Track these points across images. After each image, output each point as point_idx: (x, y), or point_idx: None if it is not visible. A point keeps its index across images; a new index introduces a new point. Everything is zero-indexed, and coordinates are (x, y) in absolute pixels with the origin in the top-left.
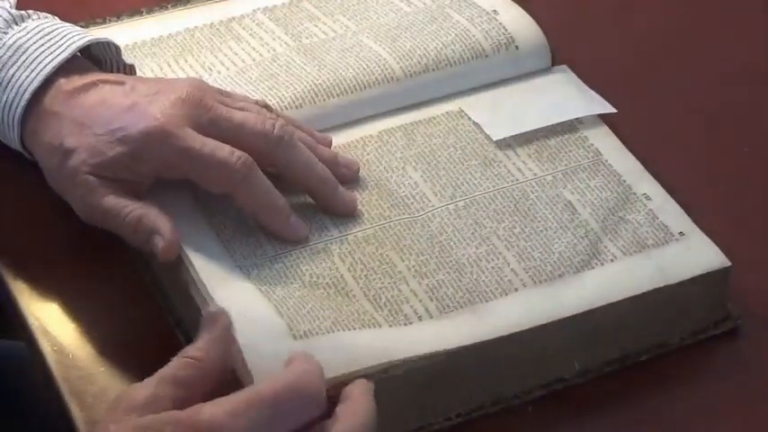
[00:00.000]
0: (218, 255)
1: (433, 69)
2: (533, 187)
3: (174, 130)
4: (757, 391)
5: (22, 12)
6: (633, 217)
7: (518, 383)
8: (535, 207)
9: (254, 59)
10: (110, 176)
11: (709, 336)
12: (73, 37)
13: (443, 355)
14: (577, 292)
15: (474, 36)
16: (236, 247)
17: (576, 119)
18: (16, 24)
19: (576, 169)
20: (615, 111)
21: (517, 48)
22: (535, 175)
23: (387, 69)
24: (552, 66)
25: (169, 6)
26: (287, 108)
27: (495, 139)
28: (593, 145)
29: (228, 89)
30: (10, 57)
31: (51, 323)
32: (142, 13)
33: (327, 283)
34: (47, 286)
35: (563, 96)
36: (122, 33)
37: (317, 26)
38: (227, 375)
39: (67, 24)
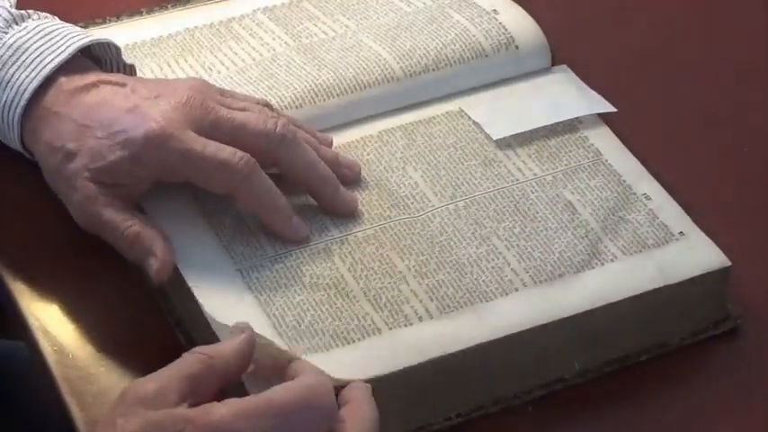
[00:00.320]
0: (217, 259)
1: (433, 69)
2: (533, 187)
3: (176, 133)
4: (757, 391)
5: (23, 11)
6: (633, 217)
7: (518, 383)
8: (535, 207)
9: (254, 59)
10: (109, 181)
11: (709, 336)
12: (73, 37)
13: (444, 356)
14: (578, 291)
15: (474, 36)
16: (236, 248)
17: (576, 119)
18: (16, 24)
19: (576, 169)
20: (615, 110)
21: (517, 48)
22: (535, 174)
23: (387, 69)
24: (552, 66)
25: (169, 6)
26: (287, 108)
27: (495, 138)
28: (593, 145)
29: (228, 89)
30: (10, 56)
31: (51, 323)
32: (142, 13)
33: (328, 284)
34: (47, 286)
35: (563, 96)
36: (122, 33)
37: (316, 26)
38: (237, 378)
39: (68, 24)
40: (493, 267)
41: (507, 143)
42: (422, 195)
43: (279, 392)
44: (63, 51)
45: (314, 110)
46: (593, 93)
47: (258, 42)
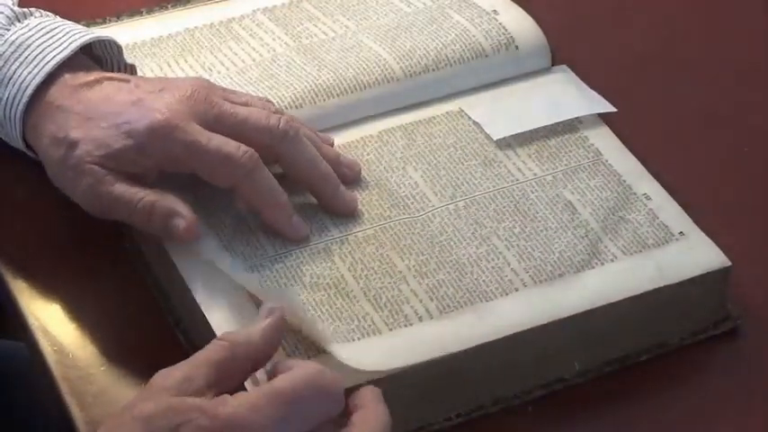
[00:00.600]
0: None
1: (433, 69)
2: (533, 187)
3: (181, 124)
4: (757, 391)
5: (25, 9)
6: (633, 217)
7: (518, 383)
8: (535, 207)
9: (253, 59)
10: (115, 168)
11: (709, 336)
12: (75, 34)
13: (443, 356)
14: (578, 291)
15: (474, 36)
16: (236, 247)
17: (576, 119)
18: (18, 21)
19: (576, 169)
20: (615, 110)
21: (517, 48)
22: (535, 174)
23: (387, 69)
24: (552, 66)
25: (169, 6)
26: (287, 108)
27: (495, 138)
28: (593, 145)
29: (230, 89)
30: (12, 53)
31: (51, 323)
32: (142, 13)
33: (328, 284)
34: (47, 286)
35: (563, 96)
36: (122, 33)
37: (316, 26)
38: (263, 364)
39: (69, 22)
40: (493, 267)
41: (507, 143)
42: (422, 195)
43: (286, 380)
44: (65, 48)
45: (314, 110)
46: (593, 93)
47: (258, 43)
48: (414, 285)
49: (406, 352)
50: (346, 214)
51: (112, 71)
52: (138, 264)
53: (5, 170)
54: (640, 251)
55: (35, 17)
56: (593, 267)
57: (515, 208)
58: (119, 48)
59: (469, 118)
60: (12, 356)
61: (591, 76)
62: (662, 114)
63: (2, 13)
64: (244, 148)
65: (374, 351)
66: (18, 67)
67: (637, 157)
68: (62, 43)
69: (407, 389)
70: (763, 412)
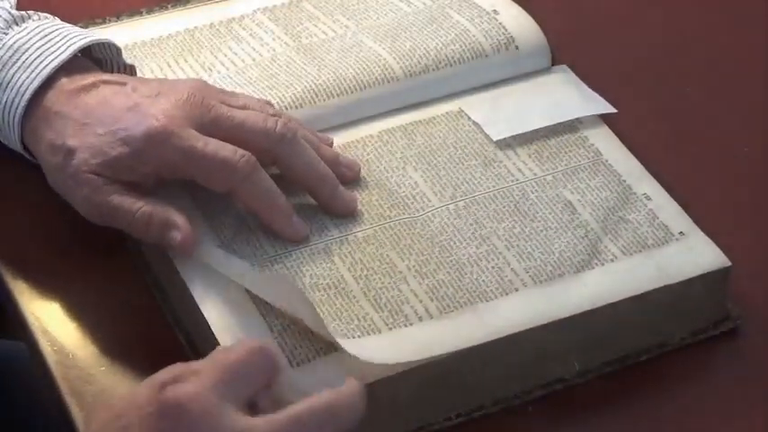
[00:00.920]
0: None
1: (433, 69)
2: (533, 187)
3: (177, 130)
4: (757, 391)
5: (23, 12)
6: (633, 217)
7: (518, 383)
8: (535, 207)
9: (253, 59)
10: (112, 176)
11: (709, 336)
12: (73, 38)
13: (443, 356)
14: (578, 291)
15: (474, 36)
16: (236, 248)
17: (576, 119)
18: (16, 25)
19: (576, 169)
20: (615, 111)
21: (517, 48)
22: (535, 175)
23: (387, 69)
24: (552, 66)
25: (169, 6)
26: (287, 108)
27: (495, 139)
28: (593, 145)
29: (229, 89)
30: (10, 57)
31: (51, 323)
32: (142, 13)
33: (327, 284)
34: (47, 286)
35: (563, 96)
36: (122, 33)
37: (316, 26)
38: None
39: (68, 25)
40: (493, 267)
41: (507, 143)
42: (422, 195)
43: (226, 351)
44: (63, 52)
45: (314, 110)
46: (593, 93)
47: (258, 43)
48: (414, 285)
49: (406, 352)
50: (346, 215)
51: (112, 72)
52: (138, 264)
53: (5, 170)
54: (640, 251)
55: (33, 20)
56: (593, 267)
57: (515, 208)
58: (117, 49)
59: (469, 118)
60: (12, 356)
61: (591, 76)
62: (662, 114)
63: (0, 16)
64: (241, 152)
65: (377, 349)
66: (16, 71)
67: (637, 157)
68: (60, 47)
69: (407, 389)
70: (763, 412)
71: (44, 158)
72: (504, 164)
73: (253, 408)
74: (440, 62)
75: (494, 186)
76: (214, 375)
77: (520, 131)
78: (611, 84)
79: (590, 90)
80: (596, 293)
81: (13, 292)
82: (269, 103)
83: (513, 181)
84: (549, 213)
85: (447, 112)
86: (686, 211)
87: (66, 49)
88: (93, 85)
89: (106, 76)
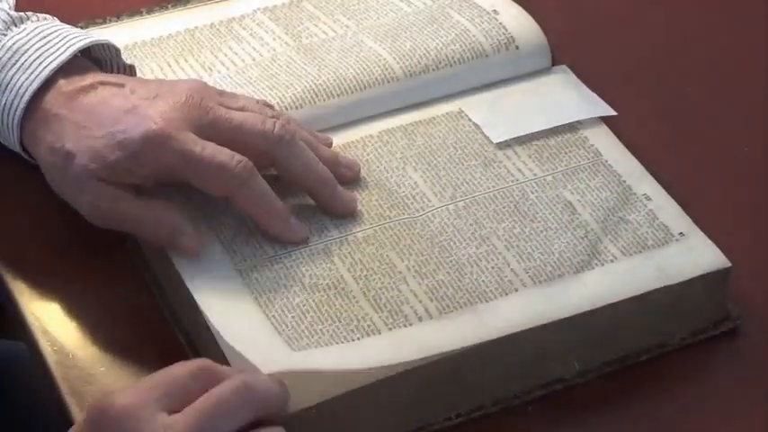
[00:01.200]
0: (217, 259)
1: (433, 69)
2: (533, 187)
3: (174, 133)
4: (757, 391)
5: (22, 14)
6: (633, 217)
7: (518, 383)
8: (535, 207)
9: (254, 59)
10: (111, 180)
11: (709, 336)
12: (72, 39)
13: (443, 356)
14: (577, 292)
15: (474, 36)
16: (236, 248)
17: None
18: (15, 26)
19: (576, 169)
20: (615, 113)
21: (517, 48)
22: (535, 175)
23: (387, 69)
24: (552, 66)
25: (169, 6)
26: (287, 108)
27: (494, 141)
28: (593, 145)
29: (228, 89)
30: (9, 59)
31: (51, 323)
32: (142, 13)
33: (327, 284)
34: (47, 286)
35: (563, 98)
36: (122, 33)
37: (317, 26)
38: None
39: (67, 26)
40: (493, 267)
41: (507, 143)
42: (422, 195)
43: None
44: (62, 53)
45: (314, 110)
46: (593, 95)
47: (258, 42)
48: (413, 286)
49: (406, 352)
50: (345, 215)
51: (111, 72)
52: (137, 263)
53: (5, 170)
54: (640, 252)
55: (32, 21)
56: (593, 268)
57: (515, 208)
58: (117, 50)
59: (469, 119)
60: (12, 356)
61: (591, 76)
62: (662, 114)
63: None
64: (238, 157)
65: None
66: (15, 73)
67: (637, 157)
68: (59, 48)
69: (407, 389)
70: (763, 412)
71: (43, 160)
72: (504, 164)
73: None
74: (440, 62)
75: (494, 187)
76: (142, 385)
77: (520, 134)
78: (611, 84)
79: (590, 91)
80: (596, 294)
81: (13, 292)
82: (268, 104)
83: (512, 181)
84: (549, 214)
85: (447, 113)
86: (686, 212)
87: (65, 51)
88: (92, 87)
89: (105, 78)
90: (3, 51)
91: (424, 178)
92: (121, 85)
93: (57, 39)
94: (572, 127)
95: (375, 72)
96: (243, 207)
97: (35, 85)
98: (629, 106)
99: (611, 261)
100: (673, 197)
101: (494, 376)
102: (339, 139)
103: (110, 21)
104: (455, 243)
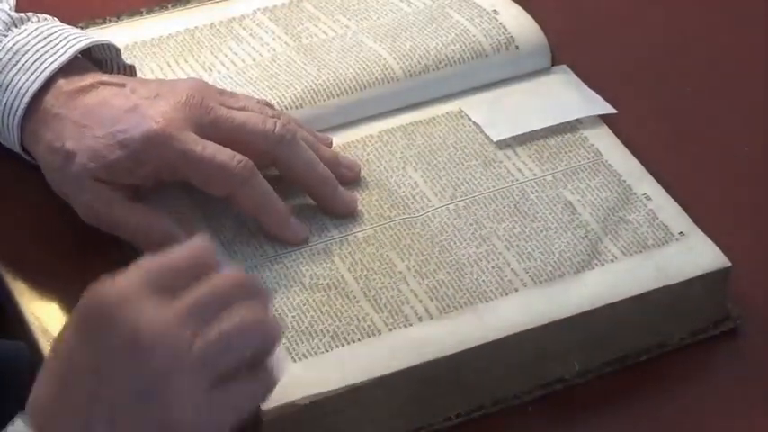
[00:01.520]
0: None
1: (433, 69)
2: (533, 187)
3: (175, 133)
4: (757, 391)
5: (22, 14)
6: (633, 217)
7: (518, 383)
8: (535, 207)
9: (254, 59)
10: (110, 179)
11: (709, 336)
12: (72, 39)
13: (444, 357)
14: (578, 292)
15: (474, 36)
16: (236, 248)
17: (576, 119)
18: (16, 27)
19: (576, 169)
20: (615, 111)
21: (517, 48)
22: (535, 175)
23: (387, 69)
24: (552, 66)
25: (169, 6)
26: (287, 108)
27: (495, 140)
28: (593, 145)
29: (229, 89)
30: (9, 59)
31: (51, 323)
32: (142, 13)
33: (327, 284)
34: (47, 286)
35: (563, 97)
36: (122, 33)
37: (317, 26)
38: None
39: (67, 26)
40: (493, 267)
41: (507, 143)
42: (422, 195)
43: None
44: (63, 54)
45: (314, 110)
46: (593, 94)
47: (258, 43)
48: (413, 285)
49: (406, 352)
50: (345, 215)
51: (112, 72)
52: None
53: (5, 170)
54: (640, 251)
55: (32, 22)
56: (593, 268)
57: (515, 208)
58: (117, 50)
59: (469, 119)
60: (12, 356)
61: (591, 76)
62: (662, 114)
63: None
64: (238, 157)
65: (373, 354)
66: (16, 73)
67: (637, 157)
68: (59, 49)
69: (408, 389)
70: (764, 412)
71: (43, 160)
72: (504, 164)
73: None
74: (440, 62)
75: (494, 186)
76: (133, 272)
77: (520, 132)
78: (611, 84)
79: (590, 90)
80: (596, 294)
81: (13, 292)
82: (268, 103)
83: (513, 181)
84: (549, 213)
85: (447, 113)
86: (686, 211)
87: (65, 51)
88: (92, 87)
89: (105, 78)
90: (3, 52)
91: (424, 178)
92: (122, 85)
93: (57, 39)
94: (572, 127)
95: (375, 72)
96: (244, 207)
97: (36, 86)
98: (629, 106)
99: (612, 261)
100: (673, 197)
101: (494, 376)
102: (339, 139)
103: (110, 21)
104: (455, 243)
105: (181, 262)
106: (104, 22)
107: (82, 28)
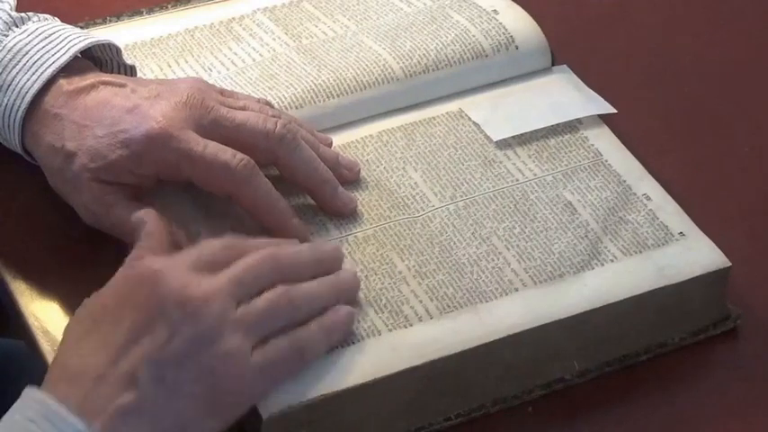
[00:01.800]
0: None
1: (433, 69)
2: (533, 187)
3: (176, 132)
4: (757, 391)
5: (23, 14)
6: (633, 217)
7: (518, 383)
8: (535, 207)
9: (254, 60)
10: (111, 180)
11: (708, 336)
12: (73, 39)
13: (444, 357)
14: (577, 292)
15: (474, 36)
16: None
17: (576, 119)
18: (17, 27)
19: (576, 169)
20: (615, 111)
21: (517, 48)
22: (535, 175)
23: (387, 69)
24: (552, 66)
25: (169, 6)
26: (287, 108)
27: (495, 139)
28: (593, 145)
29: (229, 89)
30: (10, 60)
31: (51, 323)
32: (142, 13)
33: None
34: (47, 286)
35: (563, 97)
36: (123, 33)
37: (317, 26)
38: None
39: (68, 26)
40: (493, 267)
41: (507, 143)
42: (422, 195)
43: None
44: (63, 54)
45: (314, 110)
46: (593, 93)
47: (258, 43)
48: (413, 286)
49: (406, 352)
50: (345, 215)
51: (112, 72)
52: None
53: (6, 171)
54: (640, 251)
55: (33, 22)
56: (593, 268)
57: (515, 208)
58: (117, 50)
59: (469, 118)
60: (12, 356)
61: (591, 76)
62: (662, 114)
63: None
64: (240, 156)
65: (373, 355)
66: (17, 73)
67: (637, 157)
68: (60, 49)
69: (408, 389)
70: (763, 412)
71: (44, 161)
72: (504, 164)
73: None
74: (440, 62)
75: (494, 187)
76: (175, 255)
77: (520, 132)
78: (611, 84)
79: (590, 90)
80: (596, 294)
81: (14, 293)
82: (269, 103)
83: (513, 181)
84: (549, 214)
85: (447, 113)
86: (686, 211)
87: (66, 51)
88: (93, 87)
89: (106, 77)
90: (4, 52)
91: (424, 178)
92: (122, 85)
93: (58, 39)
94: (572, 127)
95: (375, 72)
96: (245, 205)
97: (37, 86)
98: (629, 106)
99: (611, 261)
100: (673, 197)
101: (494, 376)
102: (339, 139)
103: (110, 21)
104: (455, 243)
105: (218, 247)
106: (104, 23)
107: (82, 28)
